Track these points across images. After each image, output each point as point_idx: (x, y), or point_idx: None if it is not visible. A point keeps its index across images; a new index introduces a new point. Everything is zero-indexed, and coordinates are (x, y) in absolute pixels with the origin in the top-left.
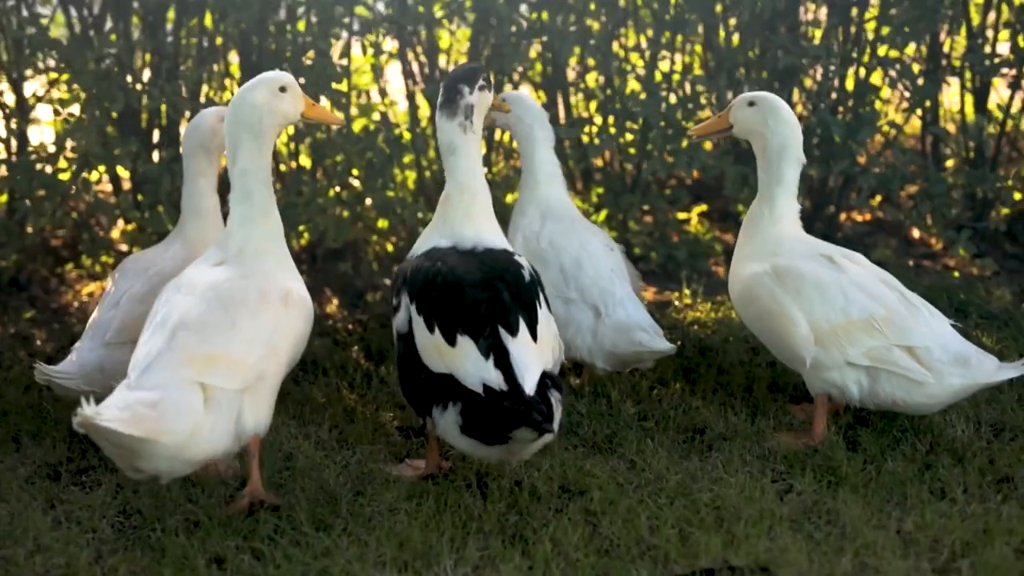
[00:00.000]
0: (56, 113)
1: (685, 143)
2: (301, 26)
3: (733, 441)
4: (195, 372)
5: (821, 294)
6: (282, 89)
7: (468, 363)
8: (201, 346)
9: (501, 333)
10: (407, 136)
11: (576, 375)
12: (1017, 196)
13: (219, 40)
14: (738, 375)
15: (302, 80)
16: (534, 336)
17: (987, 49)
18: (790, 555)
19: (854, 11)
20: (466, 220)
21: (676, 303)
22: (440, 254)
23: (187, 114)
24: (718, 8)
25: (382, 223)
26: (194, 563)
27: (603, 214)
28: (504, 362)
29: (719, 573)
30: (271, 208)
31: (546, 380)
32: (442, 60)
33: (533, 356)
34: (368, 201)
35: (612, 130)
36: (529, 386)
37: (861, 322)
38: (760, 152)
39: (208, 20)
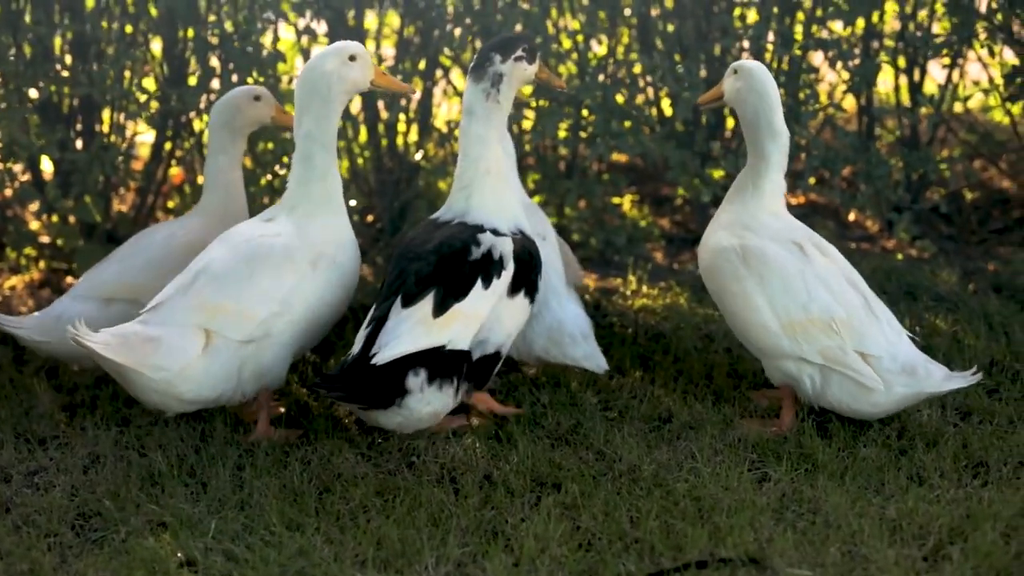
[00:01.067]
0: None
1: (628, 124)
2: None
3: (700, 429)
4: (201, 317)
5: (784, 284)
6: (352, 58)
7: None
8: (214, 294)
9: (394, 303)
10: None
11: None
12: (946, 174)
13: (144, 25)
14: (696, 362)
15: (231, 65)
16: (441, 310)
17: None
18: (777, 545)
19: None
20: (460, 189)
21: (621, 289)
22: (422, 226)
23: (108, 100)
24: None
25: None
26: (165, 565)
27: (538, 199)
28: (375, 331)
29: (710, 565)
30: (329, 173)
31: (429, 359)
32: (370, 45)
33: (411, 329)
34: None
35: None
36: (380, 357)
37: (820, 321)
38: (742, 123)
39: (130, 2)
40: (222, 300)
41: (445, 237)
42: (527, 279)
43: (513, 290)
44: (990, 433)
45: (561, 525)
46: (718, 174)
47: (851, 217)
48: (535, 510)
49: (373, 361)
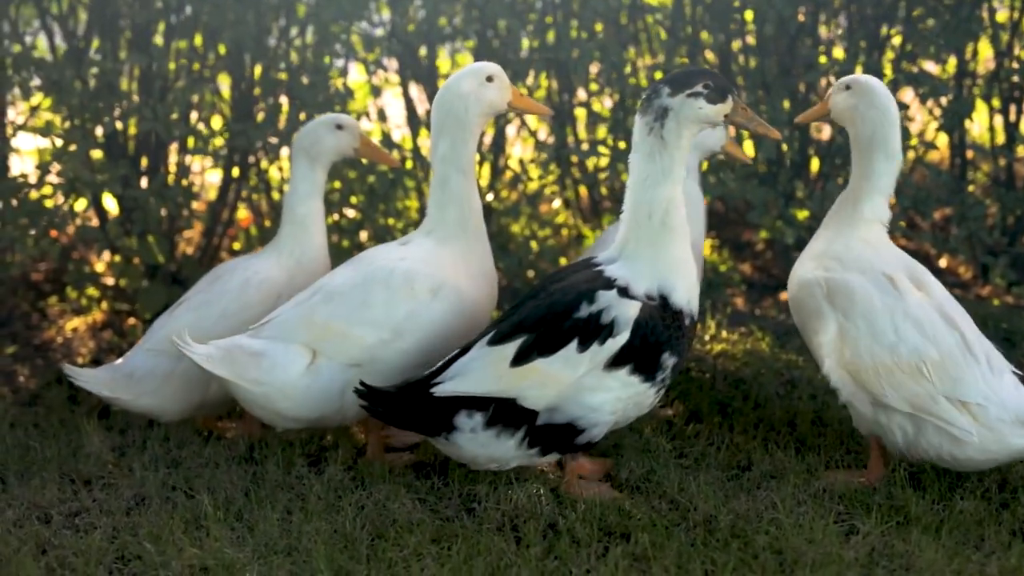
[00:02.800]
0: (42, 135)
1: (705, 166)
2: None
3: (782, 479)
4: (309, 336)
5: (869, 324)
6: (489, 79)
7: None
8: (325, 314)
9: (486, 337)
10: (409, 162)
11: None
12: None
13: (211, 60)
14: (777, 409)
15: (297, 101)
16: (520, 361)
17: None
18: None
19: (884, 30)
20: (622, 232)
21: (700, 334)
22: (576, 261)
23: (173, 137)
24: (734, 27)
25: None
26: None
27: None
28: (456, 358)
29: None
30: (467, 197)
31: (492, 403)
32: (440, 84)
33: (482, 369)
34: (364, 234)
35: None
36: (441, 388)
37: (909, 365)
38: (852, 142)
39: (198, 40)
40: (332, 320)
41: (569, 284)
42: (644, 355)
43: (617, 363)
44: None
45: None
46: (803, 215)
47: (943, 263)
48: (602, 561)
49: (433, 390)
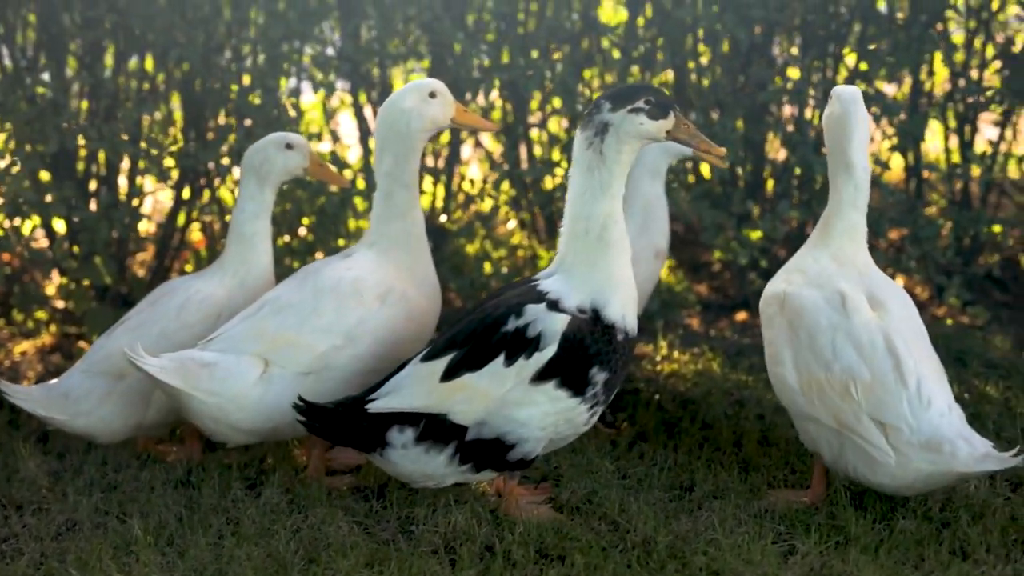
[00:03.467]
0: None
1: None
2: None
3: (725, 499)
4: (261, 346)
5: (811, 339)
6: (432, 95)
7: None
8: (275, 324)
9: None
10: (361, 183)
11: None
12: (1010, 241)
13: (161, 78)
14: (725, 429)
15: (248, 121)
16: (449, 376)
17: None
18: None
19: (831, 47)
20: (561, 245)
21: (651, 355)
22: (519, 280)
23: (126, 159)
24: (688, 47)
25: None
26: None
27: None
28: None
29: None
30: (410, 211)
31: (423, 419)
32: None
33: (413, 385)
34: (319, 254)
35: None
36: (373, 405)
37: (839, 383)
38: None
39: (149, 63)
40: (283, 331)
41: (502, 299)
42: (571, 369)
43: (543, 377)
44: None
45: None
46: (756, 235)
47: (899, 283)
48: None
49: (367, 406)
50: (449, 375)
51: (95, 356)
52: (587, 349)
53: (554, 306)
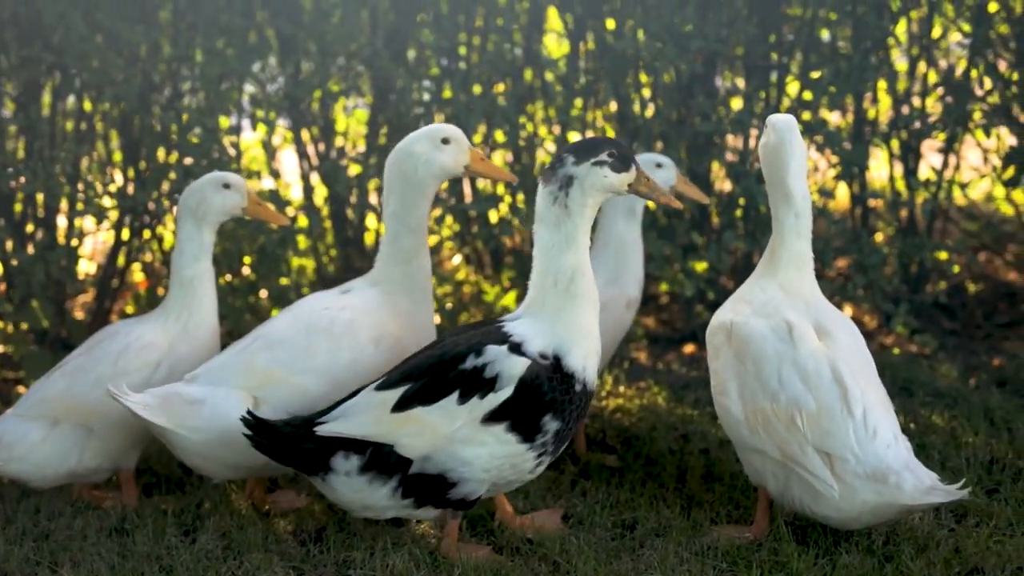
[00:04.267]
0: None
1: None
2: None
3: (667, 536)
4: (251, 382)
5: (758, 369)
6: (445, 141)
7: None
8: (266, 360)
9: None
10: (303, 220)
11: None
12: (956, 268)
13: (98, 118)
14: (669, 465)
15: (188, 160)
16: (401, 407)
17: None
18: None
19: (774, 76)
20: (529, 295)
21: (597, 390)
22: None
23: (64, 200)
24: (630, 79)
25: (275, 313)
26: None
27: (512, 296)
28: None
29: None
30: (416, 255)
31: (369, 448)
32: (339, 141)
33: (364, 412)
34: (263, 292)
35: (523, 206)
36: (323, 428)
37: (784, 413)
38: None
39: (87, 104)
40: (272, 367)
41: (465, 337)
42: (524, 414)
43: (494, 418)
44: (987, 536)
45: None
46: (701, 267)
47: (848, 312)
48: None
49: (315, 429)
50: (401, 406)
51: (30, 400)
52: (543, 396)
53: (516, 349)
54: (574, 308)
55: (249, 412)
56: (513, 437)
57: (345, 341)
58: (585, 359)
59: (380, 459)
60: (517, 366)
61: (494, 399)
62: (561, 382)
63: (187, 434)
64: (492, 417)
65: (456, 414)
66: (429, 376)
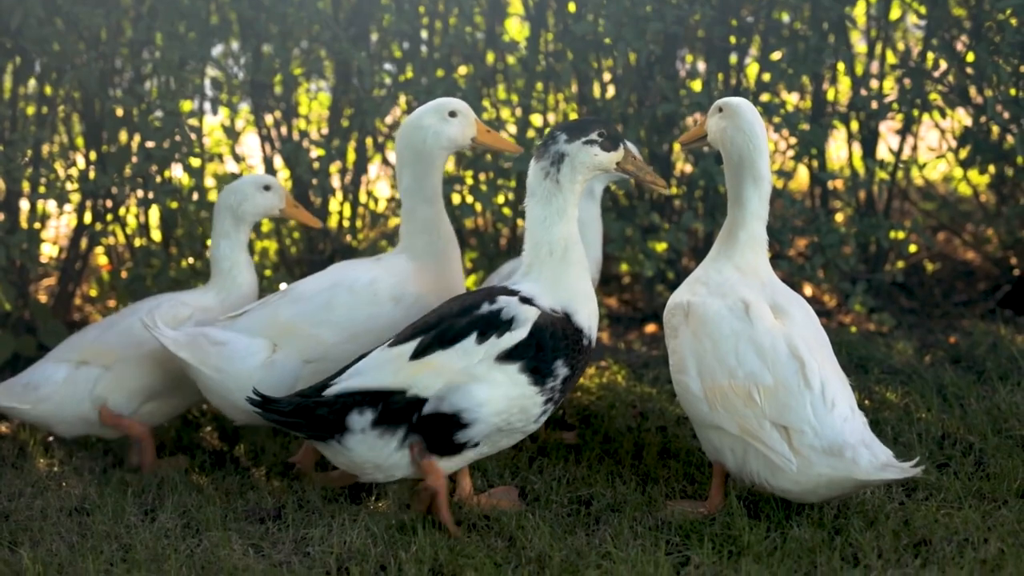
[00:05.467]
0: None
1: None
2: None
3: (623, 512)
4: (272, 331)
5: (715, 346)
6: (451, 114)
7: None
8: (290, 314)
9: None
10: None
11: None
12: (913, 248)
13: (59, 101)
14: (626, 442)
15: (151, 143)
16: (421, 354)
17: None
18: None
19: (733, 58)
20: (524, 266)
21: None
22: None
23: (26, 184)
24: (593, 61)
25: None
26: None
27: (473, 279)
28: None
29: None
30: (436, 225)
31: (381, 401)
32: (302, 123)
33: (379, 366)
34: None
35: (484, 188)
36: (332, 389)
37: (742, 388)
38: (726, 165)
39: (48, 88)
40: (296, 321)
41: (471, 295)
42: (538, 355)
43: (510, 357)
44: (935, 509)
45: None
46: (661, 247)
47: (808, 291)
48: None
49: (326, 390)
50: (420, 354)
51: (63, 347)
52: (556, 341)
53: (527, 301)
54: (572, 274)
55: (255, 391)
56: (525, 378)
57: (365, 296)
58: (590, 319)
59: (392, 411)
60: (531, 311)
61: (511, 338)
62: (574, 333)
63: (209, 372)
64: (508, 356)
65: (474, 352)
66: (445, 322)
